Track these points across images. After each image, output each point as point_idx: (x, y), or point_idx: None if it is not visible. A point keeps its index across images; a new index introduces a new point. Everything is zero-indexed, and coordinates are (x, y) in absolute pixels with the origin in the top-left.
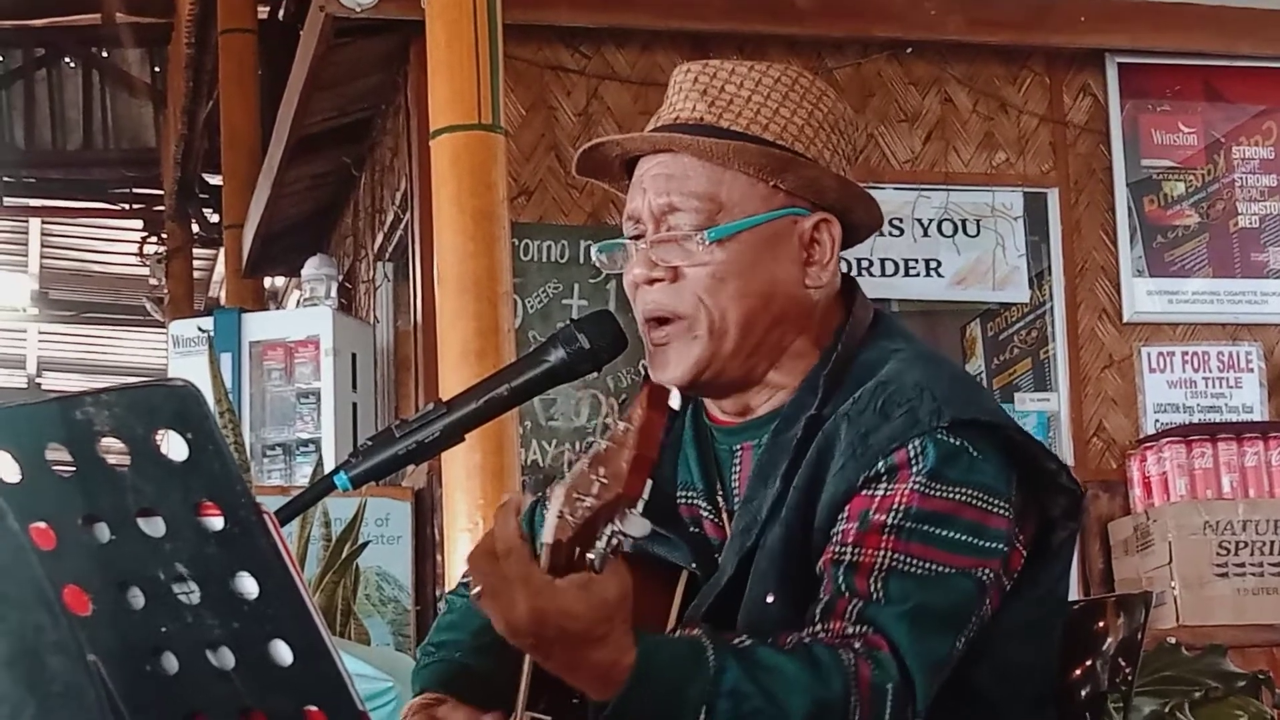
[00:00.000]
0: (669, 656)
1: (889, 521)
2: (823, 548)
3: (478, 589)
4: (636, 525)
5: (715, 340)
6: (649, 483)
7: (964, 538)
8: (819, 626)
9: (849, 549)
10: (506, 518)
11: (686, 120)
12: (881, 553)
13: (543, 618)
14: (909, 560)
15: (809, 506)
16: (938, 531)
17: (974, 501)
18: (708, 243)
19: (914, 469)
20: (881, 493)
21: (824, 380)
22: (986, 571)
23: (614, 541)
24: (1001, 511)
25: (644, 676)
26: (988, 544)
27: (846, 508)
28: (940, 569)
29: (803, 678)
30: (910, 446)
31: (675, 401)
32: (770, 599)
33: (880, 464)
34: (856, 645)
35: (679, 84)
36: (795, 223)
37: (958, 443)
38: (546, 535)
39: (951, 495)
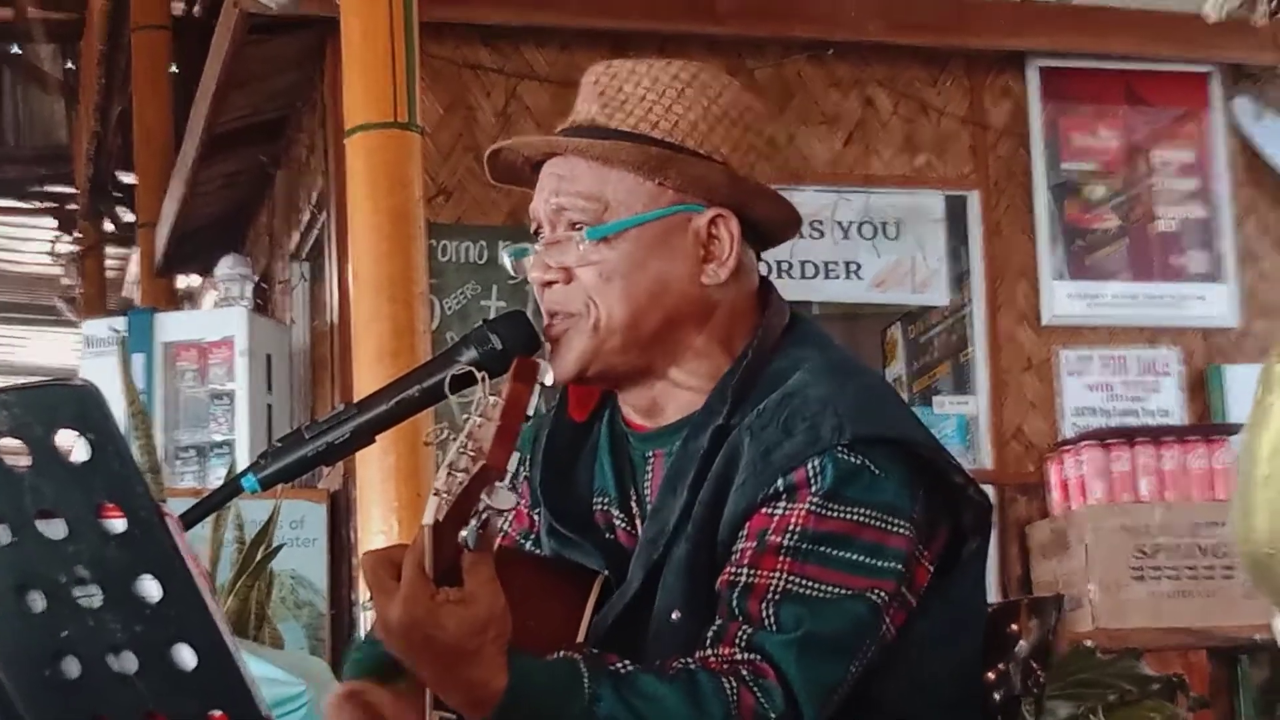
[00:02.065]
0: (544, 681)
1: (784, 543)
2: (724, 562)
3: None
4: (504, 499)
5: (600, 336)
6: (515, 455)
7: (860, 558)
8: (709, 651)
9: (744, 570)
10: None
11: (581, 123)
12: (776, 575)
13: (412, 624)
14: (803, 583)
15: (713, 522)
16: (833, 553)
17: (872, 522)
18: (590, 241)
19: (812, 488)
20: (780, 512)
21: (732, 389)
22: (880, 593)
23: (484, 517)
24: (901, 530)
25: (516, 701)
26: (885, 564)
27: (746, 525)
28: (835, 591)
29: (682, 709)
30: (810, 465)
31: (547, 378)
32: (676, 615)
33: (780, 482)
34: (744, 672)
35: (583, 86)
36: (689, 219)
37: (858, 461)
38: (426, 516)
39: (848, 516)
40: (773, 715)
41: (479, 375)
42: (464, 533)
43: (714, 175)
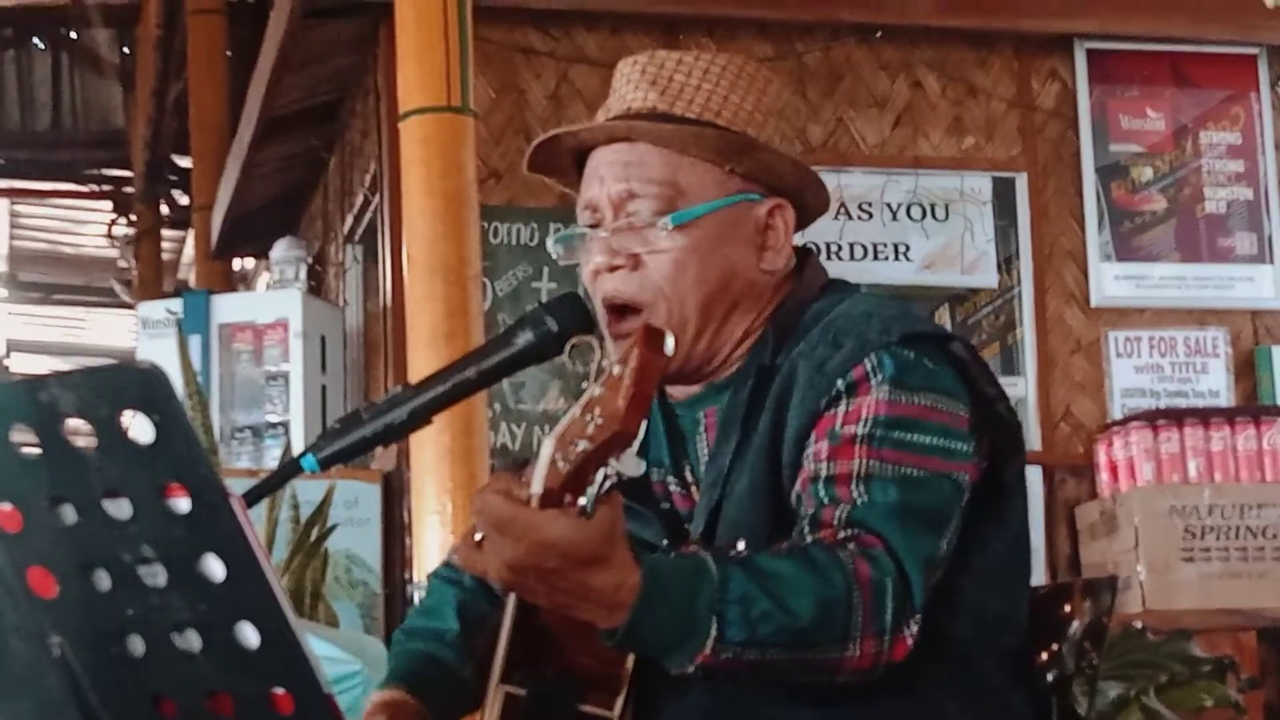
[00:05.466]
0: (673, 572)
1: (859, 432)
2: (794, 482)
3: (457, 553)
4: (631, 464)
5: (676, 329)
6: (644, 423)
7: (934, 440)
8: (809, 537)
9: (824, 464)
10: (501, 471)
11: (639, 110)
12: (857, 461)
13: (543, 549)
14: (884, 466)
15: (773, 449)
16: (908, 436)
17: (938, 405)
18: (670, 229)
19: (874, 380)
20: (845, 408)
21: (773, 332)
22: (962, 475)
23: (607, 484)
24: (963, 413)
25: (652, 594)
26: (956, 445)
27: (813, 432)
28: (916, 472)
29: (805, 578)
30: (867, 361)
31: (669, 346)
32: (741, 545)
33: (840, 383)
34: (851, 546)
35: (626, 76)
36: (751, 208)
37: (911, 354)
38: (536, 484)
39: (916, 400)
40: (887, 581)
41: (597, 345)
42: (582, 500)
43: (780, 164)
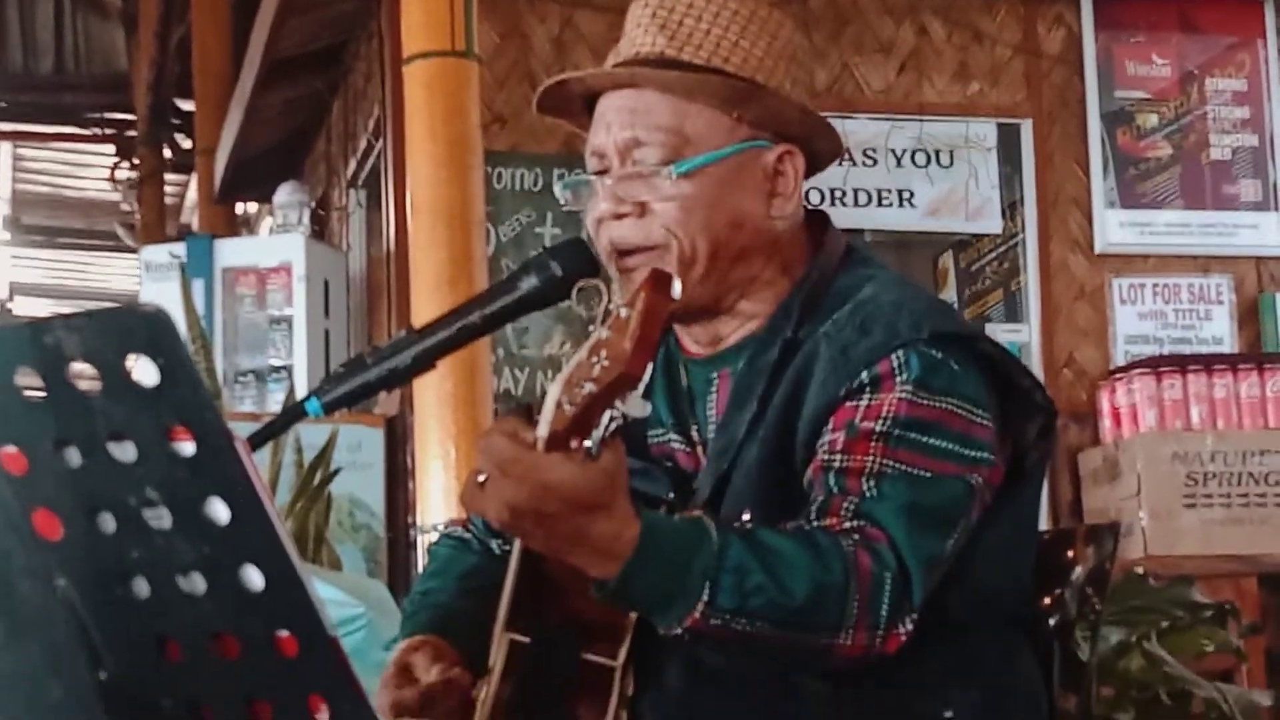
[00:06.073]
0: (672, 530)
1: (877, 429)
2: (805, 462)
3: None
4: (637, 406)
5: (684, 267)
6: (650, 366)
7: (951, 446)
8: (815, 523)
9: (838, 456)
10: (506, 415)
11: (647, 55)
12: (871, 458)
13: (545, 492)
14: (898, 465)
15: (788, 425)
16: (925, 440)
17: (960, 411)
18: (675, 176)
19: (898, 378)
20: (866, 402)
21: (799, 305)
22: (975, 477)
23: (612, 426)
24: (985, 421)
25: (648, 549)
26: (974, 453)
27: (831, 419)
28: (929, 474)
29: (804, 560)
30: (894, 356)
31: (677, 290)
32: (746, 517)
33: (864, 374)
34: (855, 537)
35: (637, 19)
36: (759, 155)
37: (939, 355)
38: (542, 428)
39: (937, 404)
40: (887, 576)
41: (604, 288)
42: (588, 442)
43: (788, 110)
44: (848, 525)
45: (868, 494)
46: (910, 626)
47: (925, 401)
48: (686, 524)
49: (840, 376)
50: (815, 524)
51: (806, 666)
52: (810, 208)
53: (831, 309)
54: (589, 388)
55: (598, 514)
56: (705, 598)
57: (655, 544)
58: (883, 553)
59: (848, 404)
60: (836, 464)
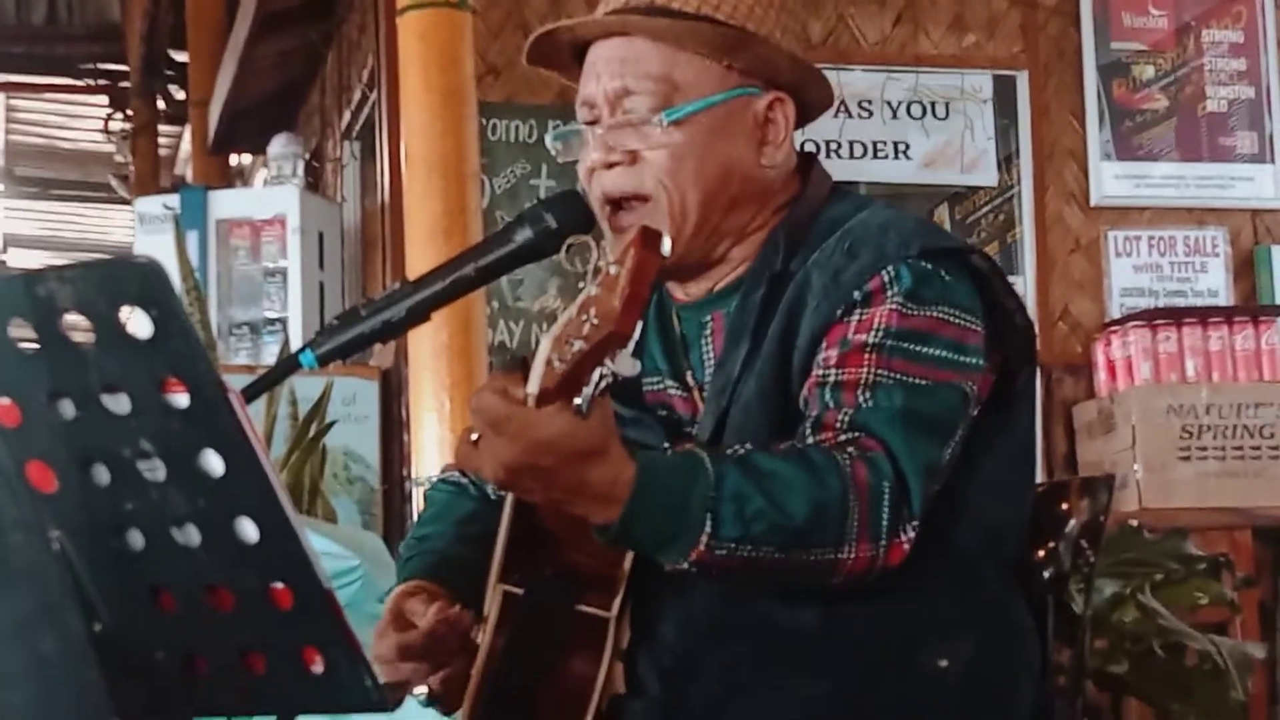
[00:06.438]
0: (668, 467)
1: (869, 341)
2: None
3: (455, 456)
4: (627, 364)
5: (677, 222)
6: (639, 324)
7: (944, 354)
8: (810, 439)
9: (832, 371)
10: (499, 370)
11: (637, 3)
12: (865, 370)
13: (538, 447)
14: (892, 375)
15: (784, 355)
16: (919, 349)
17: (952, 319)
18: (665, 124)
19: (889, 292)
20: (858, 317)
21: (784, 237)
22: (970, 385)
23: (602, 384)
24: (977, 327)
25: (646, 488)
26: (967, 359)
27: (824, 339)
28: (923, 381)
29: (801, 479)
30: (884, 273)
31: (666, 247)
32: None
33: (855, 294)
34: (850, 450)
35: None
36: (749, 103)
37: (929, 266)
38: (532, 385)
39: (929, 313)
40: (885, 485)
41: (594, 245)
42: (578, 400)
43: (778, 58)
44: (843, 438)
45: (863, 404)
46: (912, 535)
47: (916, 311)
48: (681, 459)
49: (834, 300)
50: (810, 440)
51: (812, 585)
52: (799, 150)
53: (820, 239)
54: (579, 345)
55: (592, 462)
56: (708, 529)
57: (652, 483)
58: (879, 462)
59: (841, 322)
60: (831, 379)
